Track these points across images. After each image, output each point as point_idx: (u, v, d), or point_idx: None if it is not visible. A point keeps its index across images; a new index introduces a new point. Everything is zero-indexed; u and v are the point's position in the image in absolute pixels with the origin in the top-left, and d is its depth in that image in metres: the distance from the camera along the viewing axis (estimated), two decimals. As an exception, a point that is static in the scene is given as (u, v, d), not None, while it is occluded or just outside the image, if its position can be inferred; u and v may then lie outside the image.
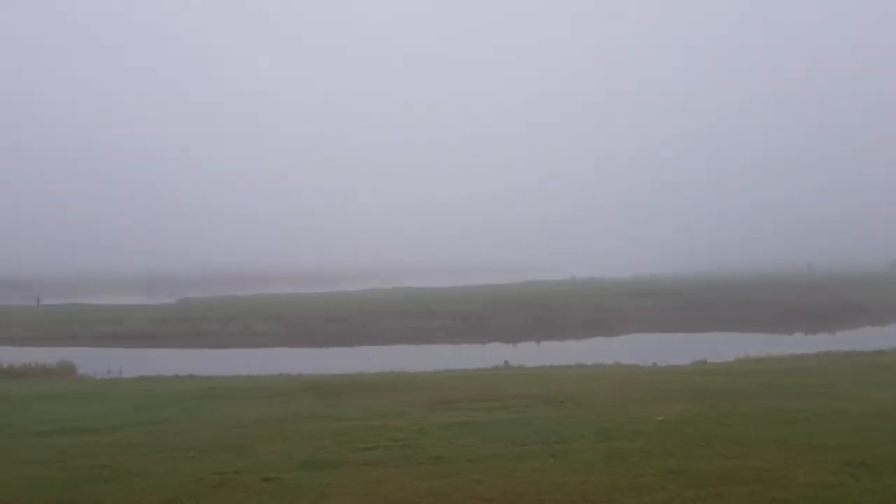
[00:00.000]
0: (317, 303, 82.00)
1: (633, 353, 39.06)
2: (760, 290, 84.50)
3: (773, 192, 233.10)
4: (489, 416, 17.11)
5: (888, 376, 23.54)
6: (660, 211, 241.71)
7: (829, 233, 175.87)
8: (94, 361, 42.63)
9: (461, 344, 58.70)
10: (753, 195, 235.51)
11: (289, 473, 12.16)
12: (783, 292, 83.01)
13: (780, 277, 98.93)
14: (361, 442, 14.51)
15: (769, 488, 10.32)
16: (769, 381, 22.41)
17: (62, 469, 13.31)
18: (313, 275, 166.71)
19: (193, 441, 15.43)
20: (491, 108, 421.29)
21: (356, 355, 51.59)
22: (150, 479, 12.19)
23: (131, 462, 13.61)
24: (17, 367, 39.69)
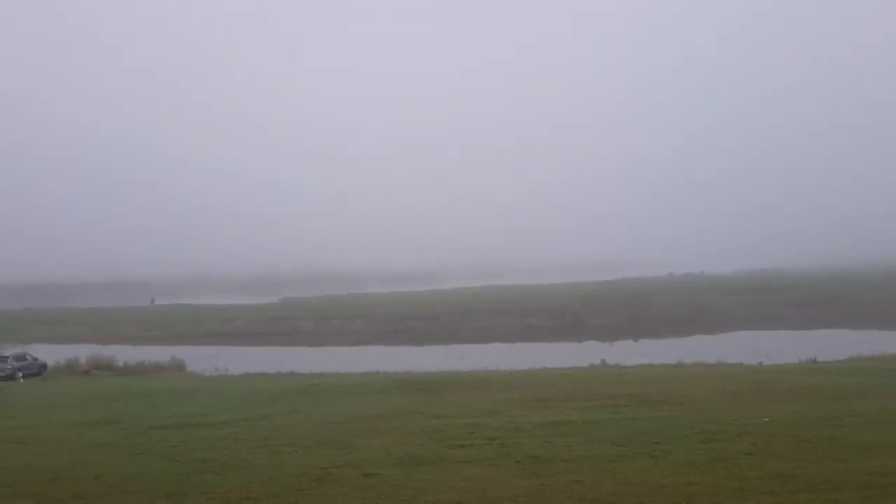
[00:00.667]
0: (411, 301, 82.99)
1: (736, 351, 37.69)
2: (873, 285, 79.93)
3: (878, 183, 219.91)
4: (586, 415, 16.88)
5: None
6: (764, 204, 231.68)
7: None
8: (202, 359, 44.60)
9: (555, 342, 58.20)
10: (865, 187, 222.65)
11: (387, 469, 12.34)
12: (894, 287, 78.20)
13: (890, 271, 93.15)
14: (457, 439, 14.59)
15: (886, 495, 9.70)
16: (884, 380, 21.21)
17: (175, 462, 13.97)
18: (409, 274, 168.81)
19: (296, 436, 15.90)
20: (558, 96, 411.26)
21: (450, 353, 51.91)
22: (256, 472, 12.63)
23: (238, 456, 14.14)
24: (132, 365, 42.06)
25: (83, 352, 46.30)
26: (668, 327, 64.00)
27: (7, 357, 40.43)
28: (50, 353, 46.23)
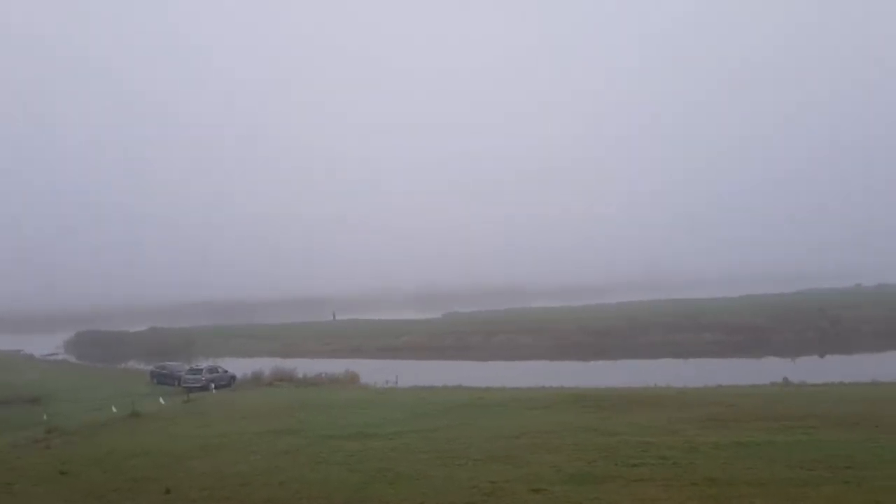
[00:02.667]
0: (578, 316, 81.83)
1: (941, 369, 33.98)
2: None
3: None
4: (769, 436, 15.89)
5: None
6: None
7: None
8: (374, 371, 46.31)
9: (732, 358, 55.17)
10: None
11: (556, 486, 12.26)
12: None
13: None
14: (630, 458, 14.23)
15: None
16: None
17: (353, 471, 14.65)
18: (574, 288, 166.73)
19: (466, 449, 16.16)
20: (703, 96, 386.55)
21: (620, 369, 50.63)
22: (429, 484, 12.99)
23: (412, 466, 14.59)
24: (310, 377, 44.45)
25: (267, 365, 49.53)
26: (860, 343, 58.83)
27: (202, 369, 43.98)
28: (238, 367, 49.85)
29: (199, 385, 40.80)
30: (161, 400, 33.32)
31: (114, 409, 29.60)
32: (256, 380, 45.03)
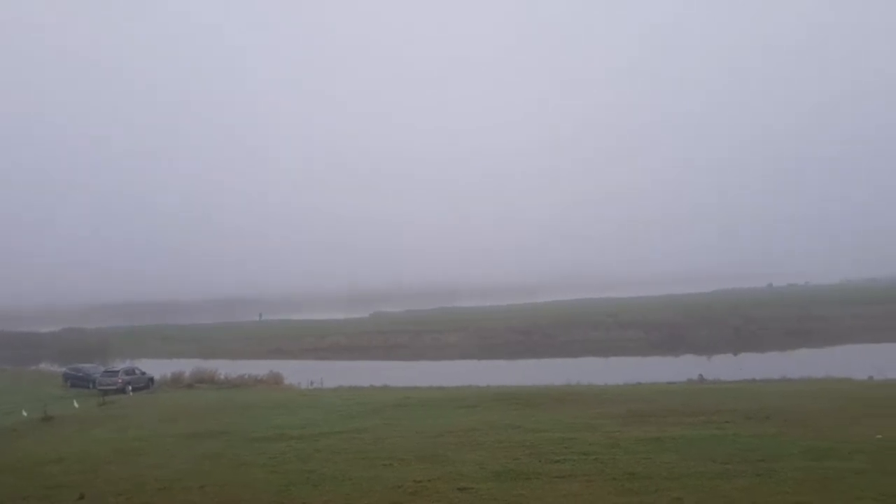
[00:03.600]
0: (504, 315, 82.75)
1: (845, 365, 35.75)
2: None
3: None
4: (686, 431, 16.39)
5: None
6: (870, 209, 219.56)
7: None
8: (299, 372, 45.70)
9: (651, 356, 56.80)
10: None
11: (481, 484, 12.34)
12: None
13: None
14: (553, 454, 14.44)
15: None
16: None
17: (275, 473, 14.40)
18: (503, 288, 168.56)
19: (392, 449, 16.11)
20: (638, 98, 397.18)
21: (543, 367, 51.43)
22: (354, 484, 12.88)
23: (336, 468, 14.45)
24: (232, 379, 43.55)
25: (188, 366, 48.28)
26: (772, 341, 61.40)
27: (118, 371, 42.55)
28: (157, 368, 48.42)
29: (115, 387, 39.44)
30: (75, 403, 32.09)
31: (24, 413, 28.32)
32: (176, 381, 43.85)
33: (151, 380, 43.13)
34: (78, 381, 43.30)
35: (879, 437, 14.37)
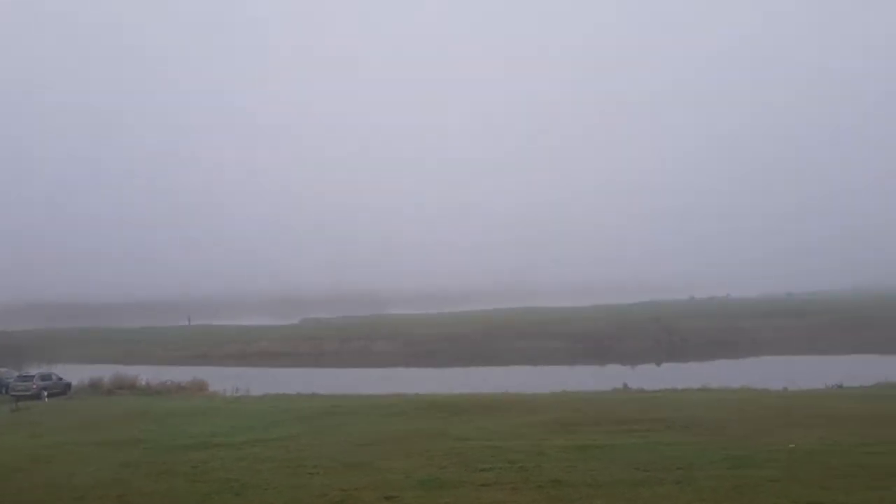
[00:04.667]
0: (434, 323, 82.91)
1: (761, 376, 37.14)
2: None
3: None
4: (610, 439, 16.73)
5: None
6: (789, 225, 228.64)
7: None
8: (225, 379, 44.76)
9: (578, 365, 57.75)
10: (890, 209, 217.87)
11: (408, 492, 12.31)
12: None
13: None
14: (479, 462, 14.51)
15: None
16: (916, 408, 20.80)
17: (197, 482, 14.04)
18: (431, 295, 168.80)
19: (318, 457, 15.91)
20: (571, 108, 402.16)
21: (473, 375, 51.69)
22: (277, 494, 12.66)
23: (260, 476, 14.18)
24: (154, 385, 42.39)
25: (108, 371, 46.75)
26: (693, 351, 63.28)
27: (32, 376, 40.95)
28: (75, 373, 46.72)
29: (29, 393, 37.92)
30: (-15, 409, 30.69)
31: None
32: (95, 387, 42.44)
33: (69, 385, 41.70)
34: (-11, 387, 41.46)
35: (792, 446, 14.95)
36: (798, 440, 15.54)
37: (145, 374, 46.01)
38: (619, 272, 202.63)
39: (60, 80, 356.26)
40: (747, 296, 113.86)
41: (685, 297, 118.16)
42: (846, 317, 74.66)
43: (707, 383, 33.71)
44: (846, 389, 28.98)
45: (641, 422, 19.27)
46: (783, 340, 66.40)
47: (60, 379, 41.88)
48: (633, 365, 56.54)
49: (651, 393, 30.51)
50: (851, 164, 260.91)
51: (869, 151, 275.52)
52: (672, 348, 65.90)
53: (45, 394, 38.48)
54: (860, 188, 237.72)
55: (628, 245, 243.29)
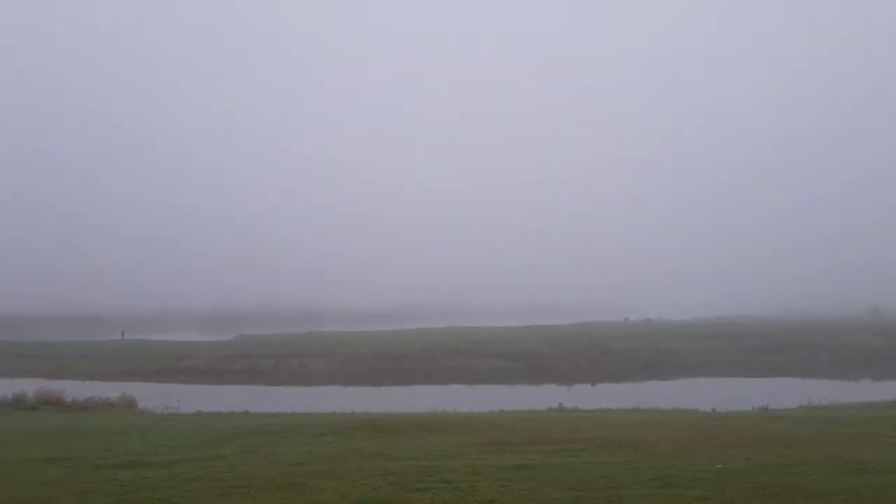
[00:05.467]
0: (371, 341, 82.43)
1: (692, 397, 38.09)
2: (825, 334, 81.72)
3: (836, 231, 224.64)
4: (544, 459, 16.88)
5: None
6: (719, 251, 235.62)
7: (894, 276, 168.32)
8: (154, 396, 43.59)
9: (515, 384, 58.19)
10: (815, 234, 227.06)
11: (342, 512, 12.19)
12: (848, 337, 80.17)
13: (844, 321, 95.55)
14: (414, 482, 14.47)
15: (836, 542, 9.90)
16: (836, 429, 21.58)
17: (123, 501, 13.62)
18: (370, 313, 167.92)
19: (249, 478, 15.61)
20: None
21: (410, 394, 51.54)
22: (206, 515, 12.38)
23: (189, 497, 13.83)
24: (81, 401, 40.90)
25: (31, 386, 44.99)
26: (626, 372, 64.45)
27: None
28: (-4, 388, 44.82)
29: None
30: None
31: None
32: (18, 402, 40.60)
33: (-13, 401, 39.88)
34: None
35: (720, 465, 15.35)
36: (725, 460, 15.97)
37: (72, 389, 44.44)
38: (556, 295, 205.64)
39: None
40: (680, 318, 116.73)
41: (620, 319, 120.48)
42: (772, 340, 77.24)
43: (639, 404, 34.38)
44: (771, 412, 29.89)
45: (575, 441, 19.51)
46: (713, 363, 68.26)
47: (-21, 394, 40.18)
48: (569, 385, 57.28)
49: (585, 412, 30.92)
50: (779, 186, 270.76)
51: (797, 174, 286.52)
52: (606, 369, 66.97)
53: (-37, 410, 36.82)
54: (785, 211, 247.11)
55: (564, 267, 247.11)
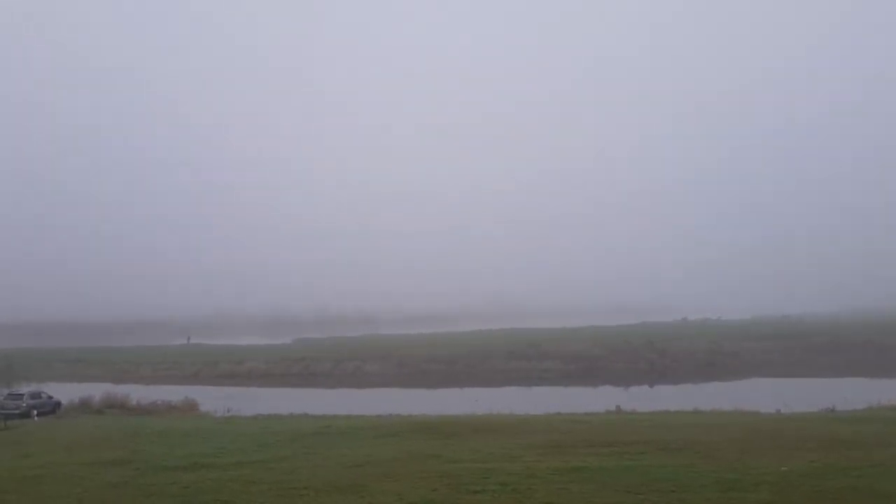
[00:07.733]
0: (426, 344, 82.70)
1: (753, 398, 37.13)
2: (893, 333, 78.71)
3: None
4: (602, 462, 16.68)
5: None
6: (783, 247, 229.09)
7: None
8: (216, 399, 44.52)
9: (571, 386, 57.60)
10: (878, 231, 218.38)
11: (400, 514, 12.25)
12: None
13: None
14: (471, 484, 14.46)
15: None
16: (906, 430, 20.82)
17: (186, 503, 13.94)
18: (425, 316, 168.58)
19: (310, 479, 15.82)
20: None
21: (464, 396, 51.50)
22: (267, 516, 12.58)
23: (251, 498, 14.08)
24: (144, 405, 42.10)
25: (98, 390, 46.47)
26: (685, 373, 63.20)
27: (22, 395, 40.68)
28: (65, 392, 46.41)
29: (18, 412, 37.60)
30: (-26, 429, 30.41)
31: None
32: (85, 406, 42.10)
33: (58, 404, 41.37)
34: (-21, 406, 41.17)
35: (785, 468, 14.95)
36: (790, 463, 15.54)
37: (136, 393, 45.75)
38: (612, 294, 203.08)
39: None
40: (740, 318, 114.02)
41: (678, 319, 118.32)
42: (839, 339, 74.82)
43: (699, 405, 33.70)
44: (838, 413, 28.97)
45: (634, 444, 19.23)
46: (776, 362, 66.46)
47: (50, 398, 41.59)
48: (626, 386, 56.45)
49: (643, 415, 30.47)
50: (847, 187, 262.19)
51: (867, 177, 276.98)
52: (664, 370, 65.80)
53: (35, 412, 38.18)
54: (854, 211, 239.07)
55: (621, 267, 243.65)
